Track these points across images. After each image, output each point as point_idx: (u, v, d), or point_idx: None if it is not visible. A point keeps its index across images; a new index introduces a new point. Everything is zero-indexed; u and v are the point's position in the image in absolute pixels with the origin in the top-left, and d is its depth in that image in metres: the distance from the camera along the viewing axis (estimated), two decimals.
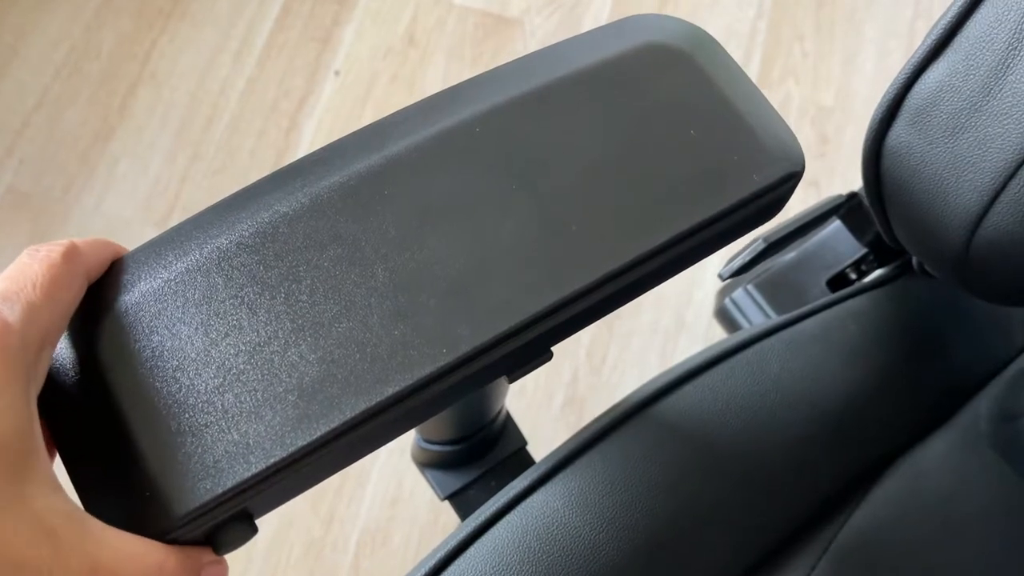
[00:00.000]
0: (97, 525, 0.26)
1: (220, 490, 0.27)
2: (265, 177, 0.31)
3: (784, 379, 0.47)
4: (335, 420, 0.28)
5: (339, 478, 0.96)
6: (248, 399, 0.28)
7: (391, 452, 0.97)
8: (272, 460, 0.27)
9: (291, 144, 1.11)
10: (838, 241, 0.53)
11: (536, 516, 0.42)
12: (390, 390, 0.28)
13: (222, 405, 0.28)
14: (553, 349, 0.33)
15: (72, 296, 0.28)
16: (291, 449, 0.27)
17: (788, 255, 0.56)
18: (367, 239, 0.30)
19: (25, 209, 1.06)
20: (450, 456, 0.58)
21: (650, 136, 0.32)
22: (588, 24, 1.19)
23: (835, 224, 0.54)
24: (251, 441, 0.27)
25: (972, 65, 0.32)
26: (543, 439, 0.97)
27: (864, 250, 0.51)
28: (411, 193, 0.31)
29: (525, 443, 0.61)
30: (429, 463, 0.60)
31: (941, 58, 0.33)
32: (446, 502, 0.57)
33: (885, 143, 0.36)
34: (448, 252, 0.30)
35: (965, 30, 0.32)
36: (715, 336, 1.03)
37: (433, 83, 1.15)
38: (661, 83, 0.33)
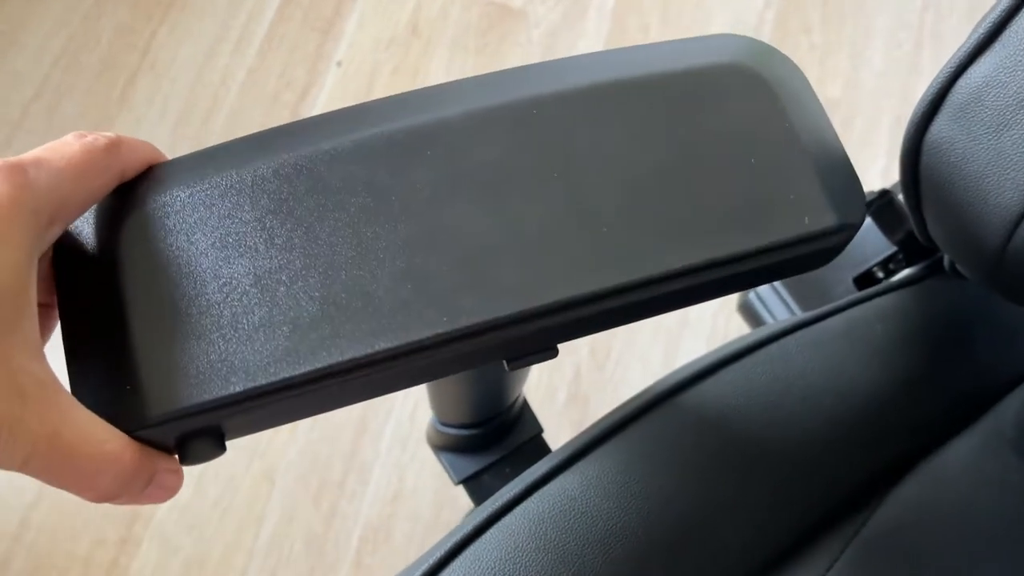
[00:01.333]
0: (68, 399, 0.26)
1: (195, 401, 0.27)
2: (319, 115, 0.32)
3: (807, 376, 0.46)
4: (320, 362, 0.28)
5: (341, 473, 0.95)
6: (244, 321, 0.28)
7: (393, 446, 0.96)
8: (251, 385, 0.27)
9: None
10: (866, 238, 0.52)
11: (553, 503, 0.42)
12: (381, 345, 0.28)
13: (219, 320, 0.28)
14: (558, 346, 0.32)
15: (100, 185, 0.29)
16: (272, 379, 0.28)
17: None
18: (398, 194, 0.30)
19: None
20: (466, 440, 0.58)
21: (708, 155, 0.31)
22: (592, 15, 1.18)
23: (865, 221, 0.53)
24: (236, 362, 0.28)
25: (1020, 61, 0.31)
26: (547, 435, 0.96)
27: (892, 248, 0.50)
28: (453, 159, 0.31)
29: (541, 430, 0.60)
30: (444, 446, 0.60)
31: (988, 53, 0.32)
32: (450, 497, 0.57)
33: (926, 137, 0.35)
34: (473, 224, 0.30)
35: (1014, 25, 0.32)
36: (719, 334, 1.02)
37: (436, 74, 1.14)
38: (734, 105, 0.32)
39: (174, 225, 0.29)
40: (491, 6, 1.18)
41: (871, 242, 0.52)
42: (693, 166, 0.31)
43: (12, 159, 0.26)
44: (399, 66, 1.14)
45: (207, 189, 0.30)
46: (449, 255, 0.29)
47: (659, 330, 1.02)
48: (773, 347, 0.46)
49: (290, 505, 0.94)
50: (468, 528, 0.41)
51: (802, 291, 0.54)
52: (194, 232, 0.29)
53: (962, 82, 0.33)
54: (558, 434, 0.97)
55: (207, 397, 0.27)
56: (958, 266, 0.42)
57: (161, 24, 1.14)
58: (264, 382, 0.28)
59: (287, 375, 0.28)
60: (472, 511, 0.44)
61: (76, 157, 0.27)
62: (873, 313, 0.47)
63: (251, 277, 0.29)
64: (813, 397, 0.46)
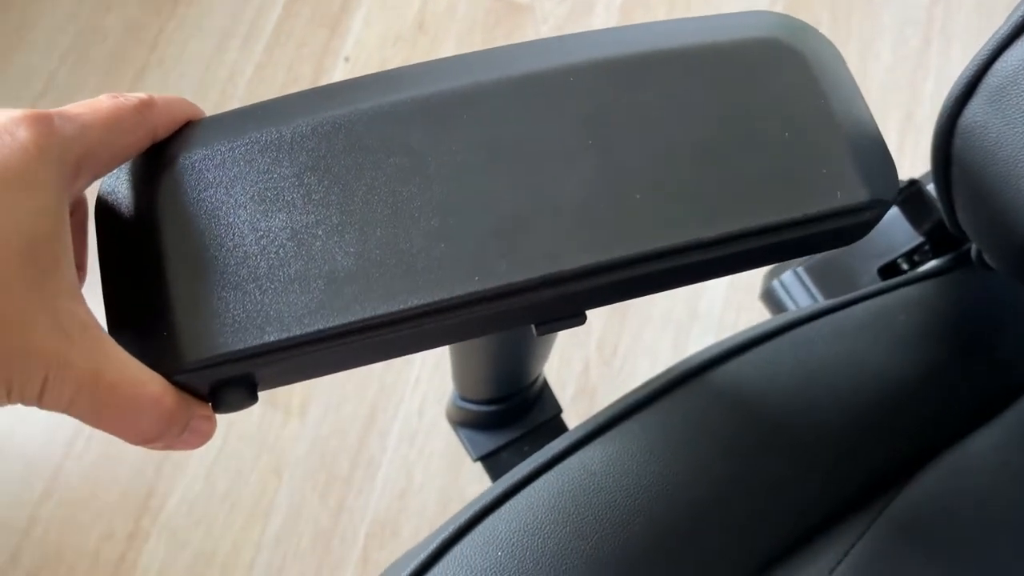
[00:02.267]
0: (110, 342, 0.27)
1: (231, 349, 0.28)
2: (358, 77, 0.32)
3: (828, 364, 0.46)
4: (354, 315, 0.28)
5: (349, 468, 0.95)
6: (281, 273, 0.29)
7: (401, 442, 0.96)
8: (285, 335, 0.28)
9: None
10: (892, 228, 0.52)
11: (573, 478, 0.42)
12: (414, 301, 0.29)
13: (256, 272, 0.29)
14: (566, 335, 0.32)
15: (132, 141, 0.29)
16: (307, 330, 0.28)
17: None
18: (434, 156, 0.30)
19: None
20: (485, 416, 0.58)
21: (743, 128, 0.31)
22: (600, 10, 1.18)
23: (892, 210, 0.53)
24: (271, 312, 0.28)
25: None
26: None
27: (919, 239, 0.50)
28: (490, 124, 0.31)
29: (560, 411, 0.60)
30: (464, 422, 0.60)
31: None
32: (457, 493, 0.56)
33: (959, 121, 0.35)
34: (508, 188, 0.30)
35: None
36: (728, 326, 1.02)
37: None
38: (770, 80, 0.32)
39: (213, 178, 0.30)
40: (498, 2, 1.18)
41: (897, 232, 0.52)
42: (727, 138, 0.31)
43: (43, 111, 0.26)
44: (406, 62, 1.14)
45: (246, 144, 0.30)
46: (483, 217, 0.30)
47: (668, 324, 1.02)
48: (797, 332, 0.46)
49: (298, 500, 0.94)
50: (488, 499, 0.41)
51: (826, 280, 0.54)
52: (233, 185, 0.30)
53: (998, 65, 0.33)
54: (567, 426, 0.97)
55: (242, 345, 0.28)
56: (986, 256, 0.42)
57: (169, 19, 1.14)
58: (299, 333, 0.28)
59: (320, 327, 0.28)
60: (496, 482, 0.44)
61: (104, 111, 0.28)
62: (897, 303, 0.47)
63: (288, 231, 0.29)
64: (835, 384, 0.46)
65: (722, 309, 1.03)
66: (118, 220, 0.30)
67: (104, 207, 0.31)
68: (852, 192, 0.31)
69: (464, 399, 0.58)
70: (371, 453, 0.96)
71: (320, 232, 0.29)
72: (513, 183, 0.30)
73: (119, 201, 0.30)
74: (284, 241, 0.29)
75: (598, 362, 1.00)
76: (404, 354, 0.31)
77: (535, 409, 0.59)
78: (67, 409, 0.26)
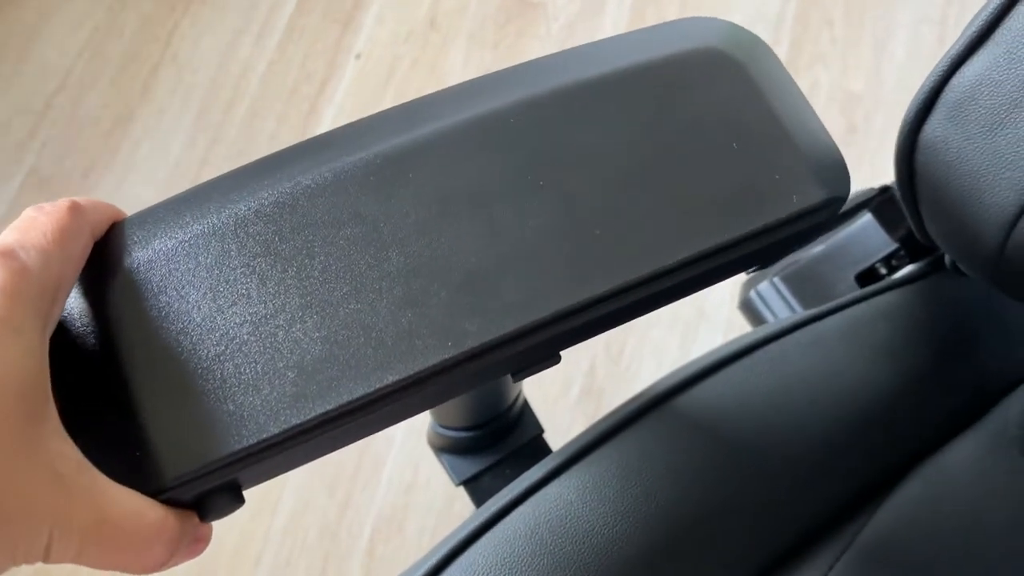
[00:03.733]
0: (103, 478, 0.26)
1: (210, 459, 0.27)
2: (291, 147, 0.31)
3: (808, 376, 0.46)
4: (331, 403, 0.27)
5: (355, 463, 0.96)
6: (248, 370, 0.28)
7: (407, 438, 0.97)
8: (264, 436, 0.27)
9: (311, 128, 1.10)
10: (868, 235, 0.51)
11: (549, 508, 0.42)
12: (390, 378, 0.28)
13: (222, 374, 0.28)
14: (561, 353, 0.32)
15: (80, 248, 0.28)
16: (284, 427, 0.27)
17: (816, 248, 0.54)
18: (386, 221, 0.29)
19: (47, 191, 1.07)
20: (466, 442, 0.58)
21: (690, 145, 0.31)
22: (611, 8, 1.17)
23: (866, 218, 0.52)
24: (246, 414, 0.27)
25: (1014, 59, 0.31)
26: (559, 429, 0.97)
27: (895, 245, 0.50)
28: (436, 179, 0.30)
29: (542, 431, 0.60)
30: (444, 448, 0.60)
31: (981, 51, 0.32)
32: (460, 491, 0.56)
33: (920, 137, 0.35)
34: (466, 244, 0.29)
35: (1007, 23, 0.31)
36: (736, 327, 1.02)
37: (454, 67, 1.14)
38: (708, 91, 0.32)
39: (161, 281, 0.29)
40: None
41: (873, 239, 0.52)
42: (676, 158, 0.31)
43: (2, 248, 0.25)
44: (418, 59, 1.14)
45: (190, 238, 0.29)
46: (445, 278, 0.29)
47: (675, 323, 1.02)
48: (773, 347, 0.46)
49: (305, 494, 0.95)
50: (463, 533, 0.41)
51: (803, 289, 0.54)
52: (183, 285, 0.28)
53: (955, 80, 0.33)
54: (571, 427, 0.98)
55: (221, 453, 0.27)
56: (958, 263, 0.41)
57: (184, 16, 1.15)
58: (276, 431, 0.27)
59: (297, 421, 0.27)
60: (471, 515, 0.45)
61: (52, 229, 0.27)
62: (875, 311, 0.47)
63: (248, 325, 0.28)
64: (813, 398, 0.45)
65: (730, 309, 1.02)
66: (70, 339, 0.29)
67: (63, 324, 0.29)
68: (807, 194, 0.31)
69: (443, 426, 0.57)
70: (377, 449, 0.96)
71: (281, 321, 0.28)
72: (469, 236, 0.29)
73: (68, 319, 0.29)
74: (246, 337, 0.28)
75: (605, 362, 1.00)
76: (389, 426, 0.31)
77: (516, 431, 0.58)
78: (76, 559, 0.25)
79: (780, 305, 0.54)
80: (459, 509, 0.94)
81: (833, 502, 0.46)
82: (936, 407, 0.48)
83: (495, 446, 0.58)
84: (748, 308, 0.57)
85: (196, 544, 0.29)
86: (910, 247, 0.49)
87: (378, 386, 0.28)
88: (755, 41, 0.34)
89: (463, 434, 0.56)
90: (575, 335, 0.31)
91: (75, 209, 0.28)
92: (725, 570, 0.43)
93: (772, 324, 0.46)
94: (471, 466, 0.58)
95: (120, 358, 0.28)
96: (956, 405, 0.48)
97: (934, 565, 0.45)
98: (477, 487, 0.57)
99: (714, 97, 0.32)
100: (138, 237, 0.29)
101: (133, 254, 0.29)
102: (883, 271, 0.52)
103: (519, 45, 1.16)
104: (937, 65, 0.33)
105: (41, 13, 1.15)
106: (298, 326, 0.28)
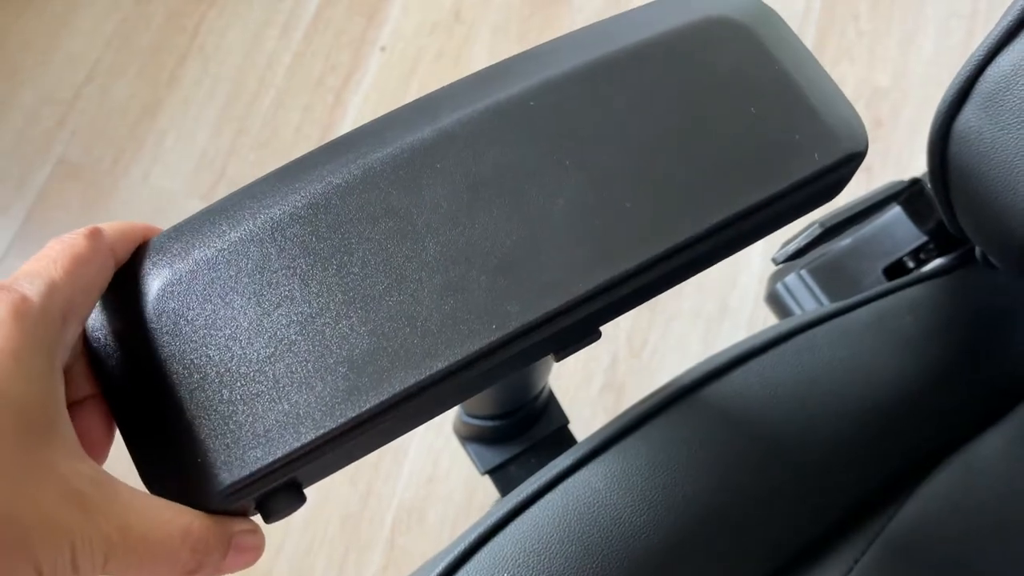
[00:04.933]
0: (125, 489, 0.26)
1: (270, 459, 0.27)
2: (318, 148, 0.31)
3: (835, 368, 0.45)
4: (384, 393, 0.28)
5: (377, 455, 0.96)
6: (299, 369, 0.28)
7: (428, 430, 0.97)
8: (322, 431, 0.27)
9: (336, 120, 1.10)
10: (897, 228, 0.51)
11: (577, 496, 0.42)
12: (439, 365, 0.28)
13: (273, 375, 0.28)
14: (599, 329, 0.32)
15: (95, 271, 0.28)
16: (341, 420, 0.27)
17: (844, 241, 0.54)
18: (419, 212, 0.30)
19: (76, 180, 1.08)
20: (492, 431, 0.58)
21: (709, 113, 0.32)
22: (635, 1, 1.17)
23: (894, 210, 0.52)
24: (301, 411, 0.28)
25: None
26: (581, 422, 0.97)
27: (924, 238, 0.49)
28: (463, 167, 0.30)
29: (567, 422, 0.60)
30: (470, 437, 0.60)
31: (1016, 41, 0.32)
32: (483, 481, 0.57)
33: (954, 127, 0.34)
34: (500, 227, 0.30)
35: None
36: (759, 321, 1.01)
37: (479, 60, 1.14)
38: (721, 58, 0.32)
39: (205, 290, 0.29)
40: None
41: (901, 231, 0.51)
42: (697, 126, 0.31)
43: (0, 283, 0.26)
44: (442, 51, 1.15)
45: (229, 246, 0.29)
46: (483, 263, 0.29)
47: (697, 317, 1.01)
48: (800, 338, 0.45)
49: (327, 485, 0.95)
50: (492, 520, 0.41)
51: (831, 282, 0.53)
52: (227, 293, 0.29)
53: (990, 71, 0.33)
54: (592, 421, 0.98)
55: (280, 452, 0.27)
56: (989, 256, 0.41)
57: (210, 7, 1.16)
58: (334, 425, 0.27)
59: (354, 413, 0.28)
60: (498, 501, 0.45)
61: (62, 256, 0.27)
62: (903, 303, 0.46)
63: (295, 325, 0.29)
64: (841, 390, 0.45)
65: (753, 304, 1.02)
66: (113, 357, 0.29)
67: (94, 348, 0.30)
68: (829, 151, 0.31)
69: (470, 415, 0.58)
70: (398, 440, 0.97)
71: (327, 318, 0.29)
72: (503, 219, 0.30)
73: (107, 338, 0.29)
74: (294, 337, 0.28)
75: (627, 356, 1.00)
76: (440, 413, 0.31)
77: (541, 421, 0.59)
78: (104, 570, 0.25)
79: (807, 298, 0.54)
80: (479, 500, 0.95)
81: (860, 495, 0.46)
82: (965, 401, 0.47)
83: (521, 436, 0.58)
84: (775, 301, 0.57)
85: (247, 553, 0.29)
86: (939, 240, 0.48)
87: (428, 373, 0.28)
88: (763, 8, 0.34)
89: (490, 423, 0.57)
90: (614, 309, 0.31)
91: (93, 235, 0.28)
92: (751, 561, 0.43)
93: (799, 316, 0.46)
94: (497, 455, 0.58)
95: (170, 371, 0.28)
96: (985, 399, 0.48)
97: (961, 559, 0.45)
98: (502, 476, 0.57)
99: (728, 64, 0.32)
100: (177, 249, 0.30)
101: (174, 266, 0.29)
102: (911, 264, 0.52)
103: (544, 37, 1.15)
104: (972, 55, 0.33)
105: (69, 3, 1.16)
106: (344, 322, 0.29)
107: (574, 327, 0.30)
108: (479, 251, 0.29)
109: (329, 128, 1.10)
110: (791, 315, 0.54)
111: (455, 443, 0.96)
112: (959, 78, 0.34)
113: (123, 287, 0.30)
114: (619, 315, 0.32)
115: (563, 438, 0.58)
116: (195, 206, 1.08)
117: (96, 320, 0.30)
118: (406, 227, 0.30)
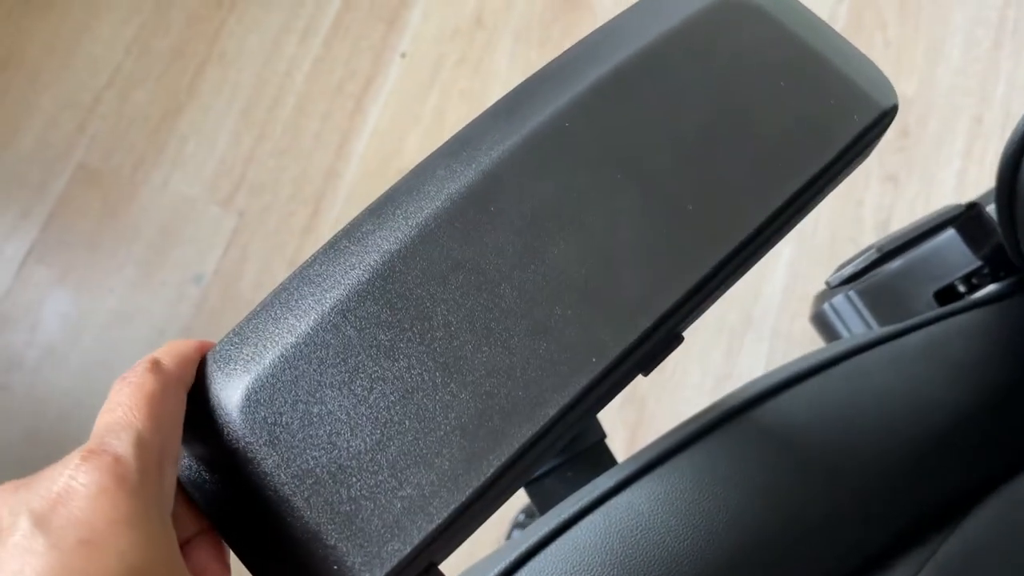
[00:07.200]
0: None
1: (409, 548, 0.26)
2: (359, 216, 0.30)
3: (884, 395, 0.45)
4: (505, 452, 0.27)
5: None
6: (412, 449, 0.27)
7: None
8: (453, 506, 0.26)
9: (356, 127, 1.10)
10: (949, 252, 0.50)
11: (620, 518, 0.41)
12: (551, 411, 0.27)
13: (387, 461, 0.27)
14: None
15: (172, 405, 0.27)
16: (469, 491, 0.27)
17: (895, 263, 0.53)
18: (486, 261, 0.29)
19: (95, 186, 1.07)
20: None
21: (741, 97, 0.31)
22: None
23: (947, 233, 0.51)
24: (427, 491, 0.26)
25: None
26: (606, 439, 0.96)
27: (977, 263, 0.48)
28: (517, 205, 0.30)
29: (604, 435, 0.59)
30: None
31: None
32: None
33: None
34: (570, 258, 0.29)
35: None
36: (782, 335, 1.00)
37: (500, 66, 1.13)
38: (740, 40, 0.32)
39: (291, 392, 0.27)
40: None
41: (954, 255, 0.50)
42: (733, 111, 0.31)
43: (88, 447, 0.24)
44: (463, 57, 1.14)
45: (303, 340, 0.28)
46: (564, 297, 0.29)
47: (720, 331, 1.00)
48: (850, 363, 0.45)
49: None
50: (534, 539, 0.41)
51: (880, 304, 0.52)
52: (315, 389, 0.27)
53: None
54: (612, 435, 0.97)
55: (417, 539, 0.26)
56: None
57: (230, 13, 1.15)
58: (463, 497, 0.26)
59: (481, 481, 0.27)
60: (536, 519, 0.44)
61: (137, 401, 0.26)
62: (957, 330, 0.46)
63: (396, 405, 0.27)
64: (890, 416, 0.44)
65: (776, 316, 1.01)
66: (213, 488, 0.28)
67: (192, 483, 0.28)
68: (866, 110, 0.31)
69: None
70: None
71: (425, 390, 0.27)
72: (570, 249, 0.29)
73: (202, 469, 0.28)
74: (397, 417, 0.27)
75: None
76: (549, 458, 0.31)
77: (579, 435, 0.58)
78: None
79: (855, 320, 0.53)
80: (504, 510, 0.94)
81: (906, 524, 0.45)
82: (1017, 430, 0.46)
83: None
84: (821, 321, 0.56)
85: None
86: (994, 265, 0.47)
87: (543, 422, 0.27)
88: None
89: None
90: (699, 311, 0.31)
91: (156, 368, 0.27)
92: None
93: (849, 339, 0.45)
94: None
95: (280, 482, 0.27)
96: None
97: None
98: (538, 489, 0.56)
99: (748, 44, 0.32)
100: (247, 356, 0.28)
101: (251, 373, 0.28)
102: (962, 289, 0.51)
103: (565, 44, 1.14)
104: None
105: (89, 9, 1.15)
106: (443, 390, 0.28)
107: (663, 339, 0.30)
108: (556, 287, 0.29)
109: (348, 135, 1.09)
110: (837, 337, 0.53)
111: None
112: None
113: (201, 411, 0.28)
114: (701, 314, 0.32)
115: (600, 452, 0.58)
116: (215, 212, 1.07)
117: (183, 453, 0.28)
118: (477, 279, 0.29)
